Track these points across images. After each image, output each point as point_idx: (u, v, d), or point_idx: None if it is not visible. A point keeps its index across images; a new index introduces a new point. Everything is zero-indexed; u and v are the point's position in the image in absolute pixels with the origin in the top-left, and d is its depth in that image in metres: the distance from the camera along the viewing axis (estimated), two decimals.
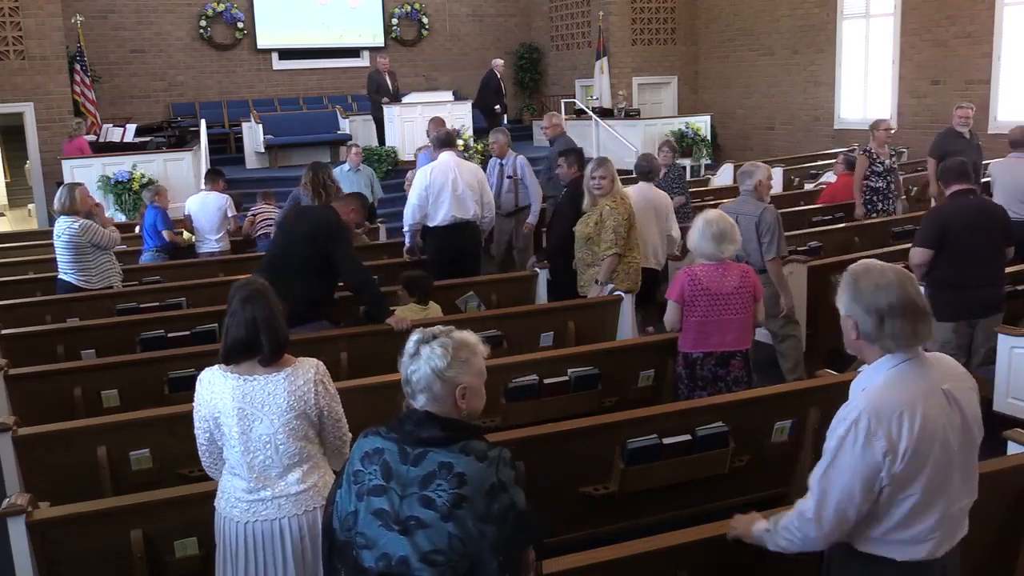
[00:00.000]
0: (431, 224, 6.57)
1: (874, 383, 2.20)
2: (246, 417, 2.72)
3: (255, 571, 2.76)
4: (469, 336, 2.19)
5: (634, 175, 6.88)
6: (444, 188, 6.48)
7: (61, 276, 6.25)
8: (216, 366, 2.82)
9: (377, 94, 13.51)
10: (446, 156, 6.66)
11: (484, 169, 7.83)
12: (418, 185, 6.54)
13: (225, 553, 2.82)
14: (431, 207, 6.51)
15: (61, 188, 6.32)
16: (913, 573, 2.20)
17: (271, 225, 8.09)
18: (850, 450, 2.14)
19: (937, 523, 2.17)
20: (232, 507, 2.78)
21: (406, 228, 6.71)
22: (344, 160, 13.28)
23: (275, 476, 2.75)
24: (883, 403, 2.14)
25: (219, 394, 2.76)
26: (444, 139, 6.92)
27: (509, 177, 7.69)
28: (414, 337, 2.18)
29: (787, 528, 2.31)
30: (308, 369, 2.79)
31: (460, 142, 11.68)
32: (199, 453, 2.89)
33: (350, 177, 8.72)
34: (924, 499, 2.15)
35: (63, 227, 6.11)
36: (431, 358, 2.11)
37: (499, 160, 7.74)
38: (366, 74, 14.40)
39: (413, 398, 2.15)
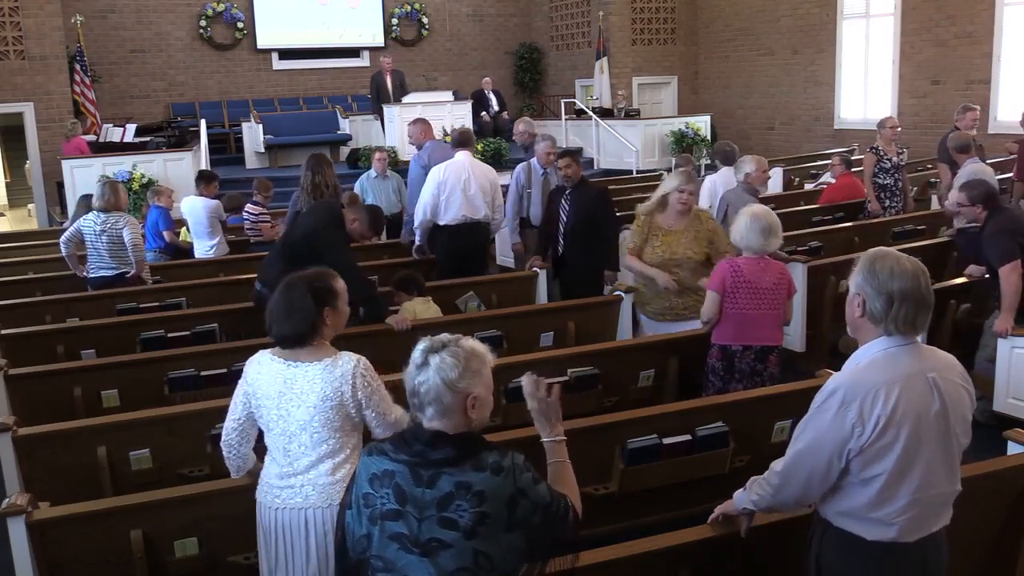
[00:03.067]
0: (440, 222, 6.52)
1: (861, 361, 2.29)
2: (285, 401, 2.79)
3: (284, 557, 2.81)
4: (478, 345, 2.12)
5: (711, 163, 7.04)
6: (456, 187, 6.45)
7: (101, 273, 6.33)
8: (268, 349, 2.90)
9: (377, 99, 13.53)
10: (461, 156, 6.63)
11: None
12: (431, 183, 6.48)
13: (262, 539, 2.88)
14: (442, 205, 6.47)
15: (100, 185, 6.44)
16: (884, 553, 2.25)
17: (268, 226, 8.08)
18: (822, 418, 2.25)
19: (907, 505, 2.22)
20: (265, 493, 2.85)
21: (416, 225, 6.62)
22: (344, 160, 13.49)
23: (307, 464, 2.79)
24: (862, 379, 2.23)
25: (265, 375, 2.84)
26: (461, 139, 6.88)
27: None
28: (421, 346, 2.09)
29: (759, 484, 2.46)
30: (348, 362, 2.83)
31: None
32: (224, 435, 2.93)
33: (377, 185, 8.35)
34: (893, 479, 2.20)
35: (108, 224, 6.22)
36: (441, 368, 2.03)
37: (544, 169, 7.08)
38: (366, 74, 14.46)
39: (420, 411, 2.06)
